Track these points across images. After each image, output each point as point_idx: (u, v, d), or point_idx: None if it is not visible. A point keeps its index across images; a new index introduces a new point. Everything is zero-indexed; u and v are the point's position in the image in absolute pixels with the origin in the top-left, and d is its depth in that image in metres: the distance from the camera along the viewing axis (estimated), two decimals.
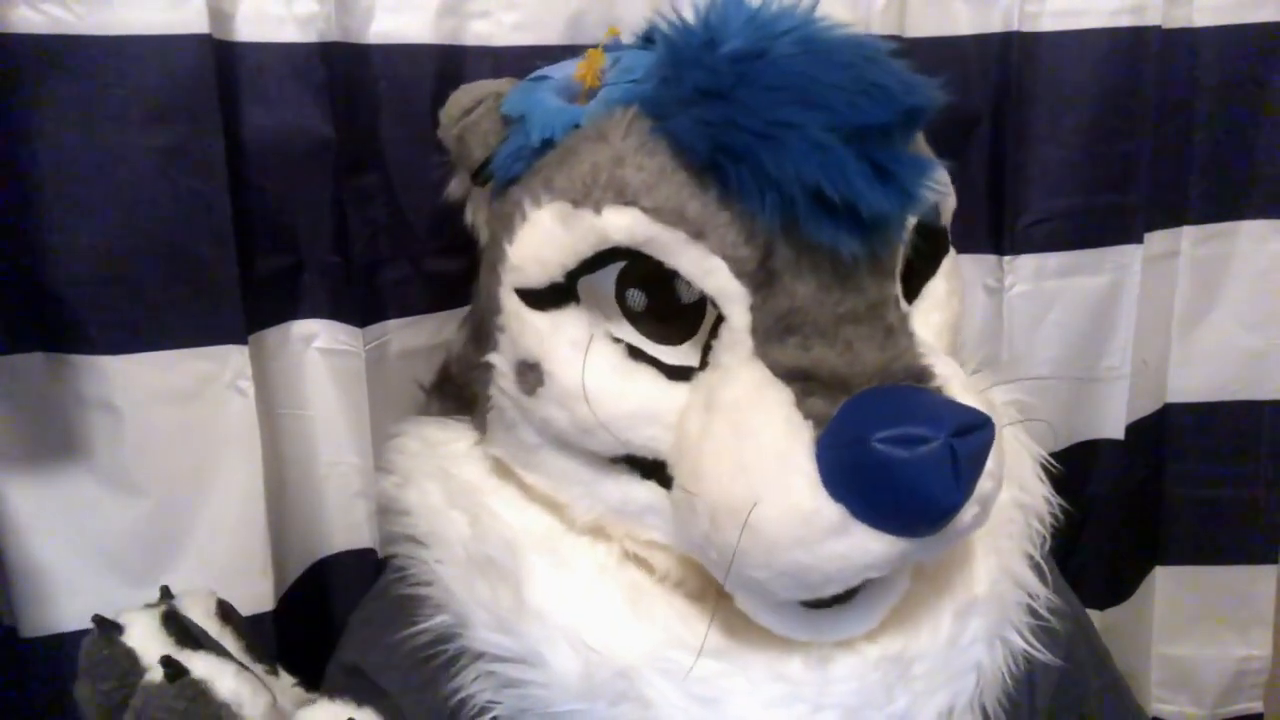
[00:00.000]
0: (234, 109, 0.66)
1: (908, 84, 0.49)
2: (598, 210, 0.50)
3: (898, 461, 0.43)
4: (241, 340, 0.68)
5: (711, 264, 0.49)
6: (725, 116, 0.47)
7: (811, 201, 0.46)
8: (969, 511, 0.47)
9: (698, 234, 0.49)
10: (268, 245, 0.70)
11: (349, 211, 0.71)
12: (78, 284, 0.64)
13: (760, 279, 0.49)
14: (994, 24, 0.82)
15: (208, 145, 0.64)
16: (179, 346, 0.66)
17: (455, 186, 0.65)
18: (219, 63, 0.64)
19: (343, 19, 0.68)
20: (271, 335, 0.72)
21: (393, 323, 0.75)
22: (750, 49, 0.48)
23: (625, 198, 0.49)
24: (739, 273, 0.49)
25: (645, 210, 0.49)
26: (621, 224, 0.49)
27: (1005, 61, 0.83)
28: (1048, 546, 0.63)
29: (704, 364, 0.52)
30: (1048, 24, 0.83)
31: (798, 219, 0.47)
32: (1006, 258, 0.86)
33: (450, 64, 0.72)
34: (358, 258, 0.72)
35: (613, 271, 0.52)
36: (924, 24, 0.82)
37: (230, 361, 0.68)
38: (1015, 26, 0.82)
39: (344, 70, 0.69)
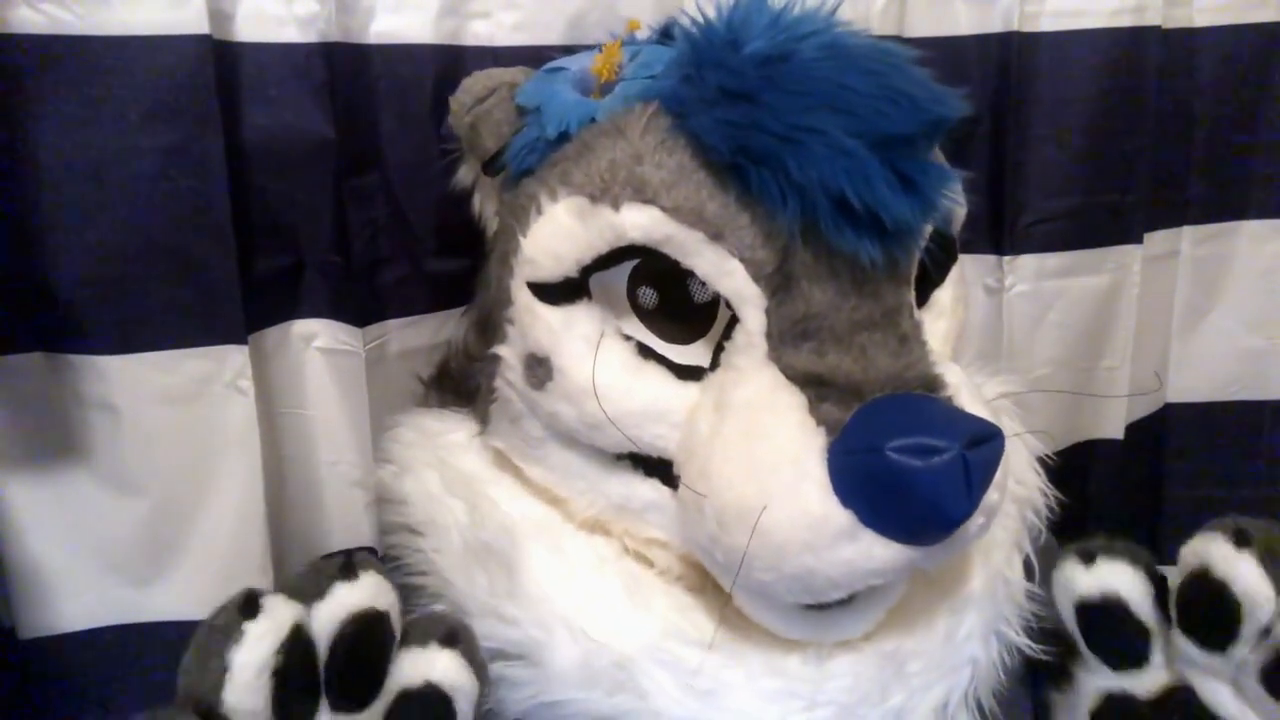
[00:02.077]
0: (234, 109, 0.66)
1: (933, 93, 0.49)
2: (616, 207, 0.50)
3: (911, 471, 0.43)
4: (241, 340, 0.67)
5: (729, 265, 0.49)
6: (749, 118, 0.47)
7: (834, 207, 0.46)
8: (975, 522, 0.47)
9: (716, 235, 0.49)
10: (268, 245, 0.70)
11: (349, 211, 0.71)
12: (78, 284, 0.63)
13: (777, 282, 0.49)
14: (994, 24, 0.83)
15: (208, 145, 0.64)
16: (179, 346, 0.66)
17: (464, 175, 0.65)
18: (219, 63, 0.64)
19: (343, 19, 0.68)
20: (271, 335, 0.72)
21: (393, 322, 0.75)
22: (775, 51, 0.48)
23: (644, 195, 0.49)
24: (756, 275, 0.49)
25: (664, 209, 0.49)
26: (640, 222, 0.49)
27: (1005, 61, 0.83)
28: (1044, 539, 0.63)
29: (715, 365, 0.52)
30: (1048, 24, 0.83)
31: (819, 224, 0.47)
32: (1006, 258, 0.86)
33: (450, 64, 0.72)
34: (358, 258, 0.72)
35: (626, 269, 0.52)
36: (924, 24, 0.82)
37: (230, 361, 0.67)
38: (1015, 26, 0.82)
39: (344, 70, 0.69)
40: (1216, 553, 0.51)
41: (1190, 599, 0.52)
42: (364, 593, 0.45)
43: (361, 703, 0.44)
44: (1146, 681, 0.55)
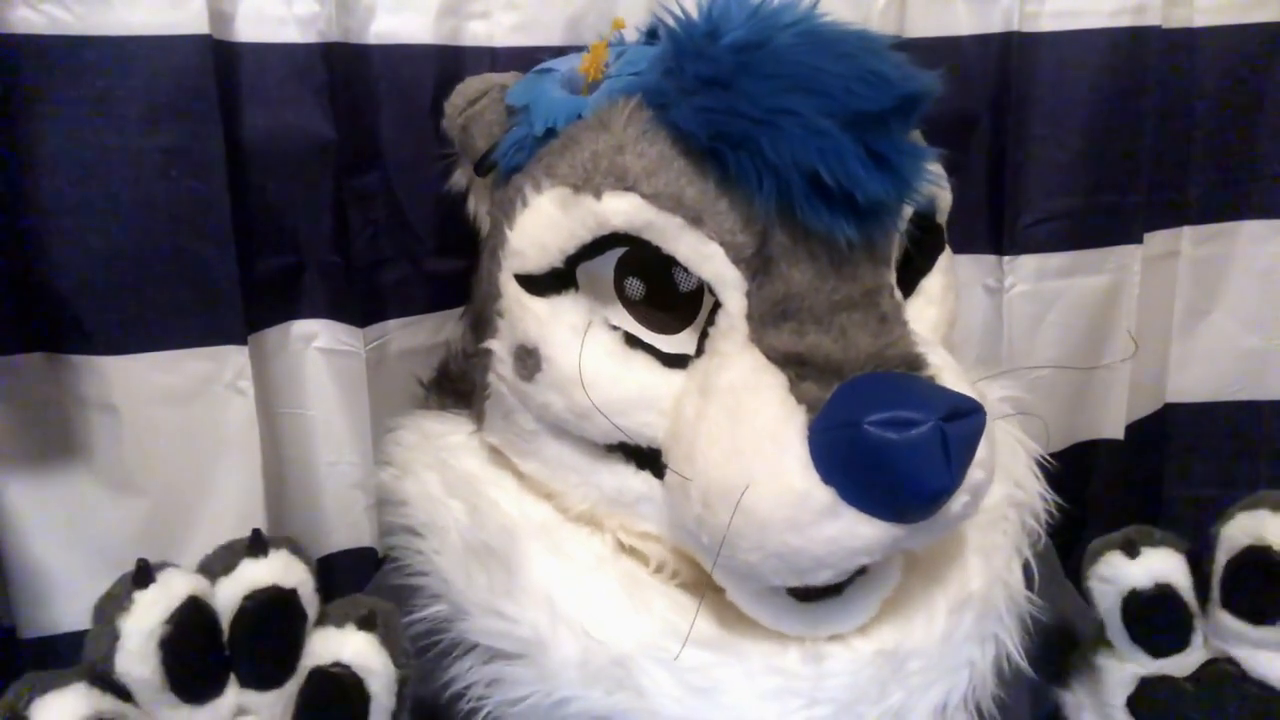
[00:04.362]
0: (234, 109, 0.66)
1: (906, 73, 0.49)
2: (598, 195, 0.50)
3: (888, 444, 0.43)
4: (241, 340, 0.68)
5: (709, 249, 0.49)
6: (725, 104, 0.47)
7: (808, 187, 0.47)
8: (959, 500, 0.47)
9: (695, 220, 0.49)
10: (268, 245, 0.70)
11: (349, 211, 0.71)
12: (78, 284, 0.64)
13: (756, 265, 0.49)
14: (994, 24, 0.82)
15: (208, 145, 0.64)
16: (179, 346, 0.67)
17: (458, 177, 0.66)
18: (219, 63, 0.64)
19: (343, 19, 0.68)
20: (271, 335, 0.72)
21: (393, 323, 0.76)
22: (752, 39, 0.48)
23: (625, 183, 0.50)
24: (736, 259, 0.49)
25: (644, 196, 0.50)
26: (621, 209, 0.50)
27: (1005, 61, 0.83)
28: (1042, 543, 0.63)
29: (700, 351, 0.52)
30: (1048, 24, 0.83)
31: (795, 205, 0.47)
32: (1006, 258, 0.86)
33: (450, 64, 0.72)
34: (358, 258, 0.72)
35: (612, 258, 0.53)
36: (924, 24, 0.82)
37: (230, 361, 0.68)
38: (1015, 26, 0.82)
39: (344, 70, 0.69)
40: (1273, 527, 0.51)
41: (1244, 576, 0.52)
42: (270, 569, 0.44)
43: (271, 680, 0.44)
44: (1185, 661, 0.55)
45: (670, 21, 0.52)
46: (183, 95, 0.63)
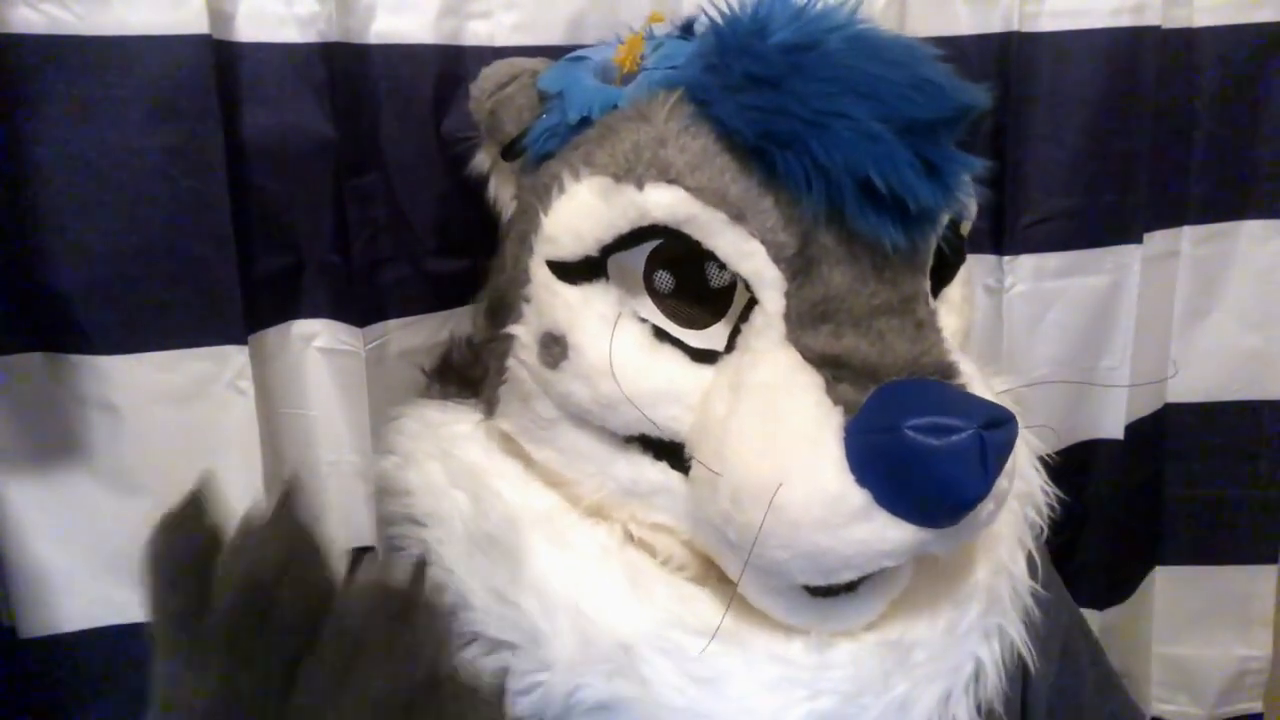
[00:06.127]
0: (234, 109, 0.66)
1: (958, 84, 0.50)
2: (640, 186, 0.50)
3: (929, 449, 0.44)
4: (241, 340, 0.68)
5: (750, 247, 0.50)
6: (774, 103, 0.47)
7: (859, 190, 0.47)
8: (985, 507, 0.48)
9: (738, 216, 0.49)
10: (268, 245, 0.70)
11: (349, 211, 0.71)
12: (78, 284, 0.64)
13: (797, 265, 0.49)
14: (994, 24, 0.83)
15: (208, 145, 0.64)
16: (179, 346, 0.66)
17: (480, 161, 0.66)
18: (219, 63, 0.64)
19: (343, 19, 0.68)
20: (271, 335, 0.72)
21: (393, 322, 0.75)
22: (802, 40, 0.48)
23: (668, 176, 0.50)
24: (777, 258, 0.49)
25: (688, 189, 0.50)
26: (663, 201, 0.50)
27: (1005, 61, 0.83)
28: (1044, 537, 0.64)
29: (730, 348, 0.52)
30: (1048, 24, 0.83)
31: (843, 208, 0.48)
32: (1006, 257, 0.86)
33: (450, 64, 0.72)
34: (358, 258, 0.72)
35: (644, 251, 0.53)
36: (924, 24, 0.82)
37: (230, 361, 0.68)
38: (1015, 26, 0.82)
39: (344, 70, 0.69)
40: None
41: None
42: None
43: None
44: None
45: (715, 16, 0.52)
46: (183, 95, 0.63)
